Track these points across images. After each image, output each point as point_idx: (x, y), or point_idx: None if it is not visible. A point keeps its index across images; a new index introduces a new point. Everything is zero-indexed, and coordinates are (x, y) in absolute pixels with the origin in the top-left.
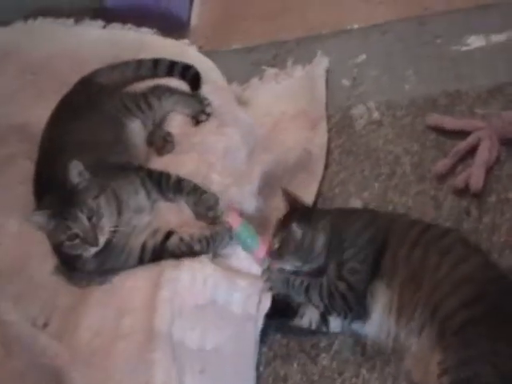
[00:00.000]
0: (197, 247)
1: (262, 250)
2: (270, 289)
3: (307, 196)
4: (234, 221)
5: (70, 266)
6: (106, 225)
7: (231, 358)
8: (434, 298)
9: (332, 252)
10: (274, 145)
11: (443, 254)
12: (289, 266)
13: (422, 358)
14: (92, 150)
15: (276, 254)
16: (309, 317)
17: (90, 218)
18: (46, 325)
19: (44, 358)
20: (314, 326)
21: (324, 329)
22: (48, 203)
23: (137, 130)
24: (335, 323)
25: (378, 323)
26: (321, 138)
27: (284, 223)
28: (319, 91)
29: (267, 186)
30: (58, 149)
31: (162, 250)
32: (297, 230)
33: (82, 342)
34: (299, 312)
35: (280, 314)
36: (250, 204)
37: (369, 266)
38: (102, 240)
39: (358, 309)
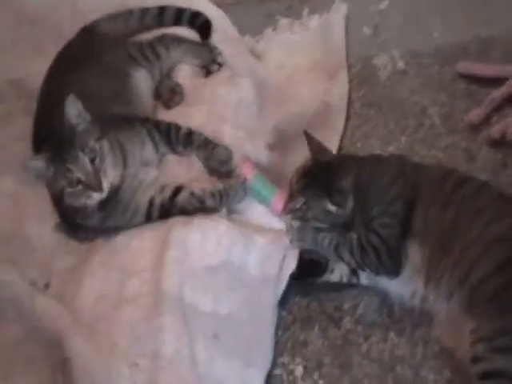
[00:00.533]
0: (209, 202)
1: (279, 201)
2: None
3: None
4: (247, 172)
5: (71, 221)
6: (110, 168)
7: (247, 324)
8: (463, 262)
9: (360, 209)
10: (289, 97)
11: (476, 214)
12: (311, 225)
13: (452, 326)
14: (93, 102)
15: (298, 214)
16: (339, 271)
17: (92, 160)
18: (47, 286)
19: (44, 321)
20: (345, 280)
21: (355, 280)
22: (46, 148)
23: (142, 79)
24: (364, 276)
25: (406, 282)
26: (340, 87)
27: (305, 174)
28: (338, 40)
29: (282, 142)
30: (57, 102)
31: (171, 206)
32: (322, 200)
33: (84, 305)
34: (329, 267)
35: (307, 273)
36: (264, 159)
37: (399, 222)
38: (105, 185)
39: (390, 264)
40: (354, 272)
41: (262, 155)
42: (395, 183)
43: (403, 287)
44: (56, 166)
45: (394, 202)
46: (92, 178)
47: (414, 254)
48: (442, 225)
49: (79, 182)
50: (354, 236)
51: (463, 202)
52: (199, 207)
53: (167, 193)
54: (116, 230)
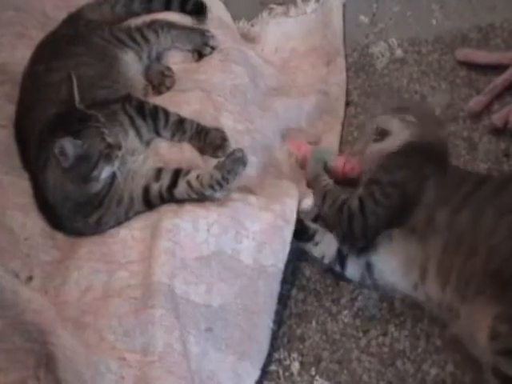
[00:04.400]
0: (208, 193)
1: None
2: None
3: (332, 138)
4: (305, 152)
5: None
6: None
7: (241, 316)
8: (493, 262)
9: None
10: (285, 85)
11: (501, 215)
12: None
13: (473, 322)
14: (79, 87)
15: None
16: (323, 248)
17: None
18: (30, 278)
19: (27, 314)
20: (326, 261)
21: (338, 268)
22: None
23: (130, 62)
24: (352, 269)
25: (400, 275)
26: (338, 74)
27: None
28: (335, 25)
29: (283, 134)
30: (40, 88)
31: (170, 198)
32: None
33: (70, 298)
34: (314, 238)
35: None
36: (263, 155)
37: (392, 207)
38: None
39: (359, 237)
40: (340, 259)
41: (261, 153)
42: (409, 168)
43: (396, 278)
44: (89, 135)
45: (398, 184)
46: (117, 137)
47: (409, 247)
48: (459, 225)
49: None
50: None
51: (484, 202)
52: (198, 198)
53: (165, 181)
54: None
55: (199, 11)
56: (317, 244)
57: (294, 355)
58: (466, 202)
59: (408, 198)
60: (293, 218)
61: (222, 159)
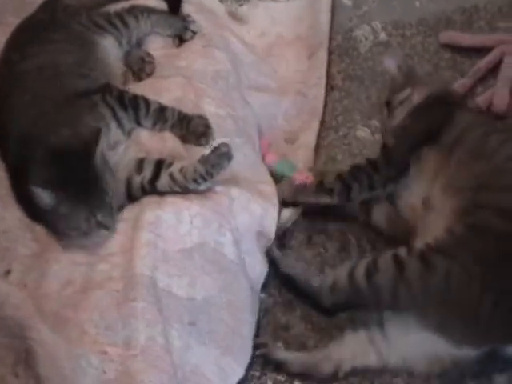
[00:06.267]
0: (191, 186)
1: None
2: None
3: (309, 136)
4: (270, 160)
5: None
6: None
7: (224, 311)
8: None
9: None
10: (265, 78)
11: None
12: None
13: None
14: (54, 75)
15: None
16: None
17: None
18: (8, 272)
19: (5, 309)
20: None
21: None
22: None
23: (109, 47)
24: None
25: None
26: (318, 69)
27: None
28: (323, 15)
29: (259, 130)
30: (16, 76)
31: (152, 191)
32: None
33: (49, 292)
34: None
35: None
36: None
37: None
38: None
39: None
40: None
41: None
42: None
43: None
44: (74, 206)
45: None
46: (110, 218)
47: (432, 159)
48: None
49: (98, 224)
50: None
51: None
52: (181, 191)
53: (147, 173)
54: None
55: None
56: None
57: (279, 344)
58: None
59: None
60: (272, 229)
61: (207, 153)
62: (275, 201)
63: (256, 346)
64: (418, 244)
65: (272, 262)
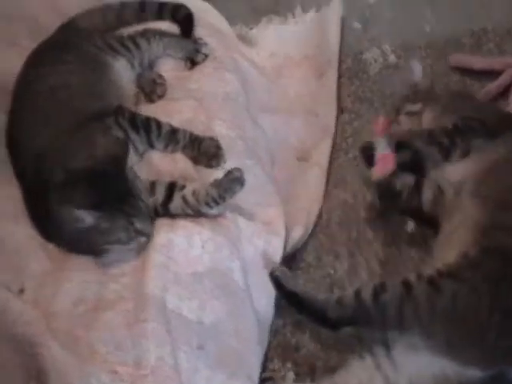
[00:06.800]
0: (204, 209)
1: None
2: None
3: (322, 152)
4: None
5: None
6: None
7: (232, 335)
8: None
9: None
10: (275, 101)
11: None
12: None
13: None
14: (66, 96)
15: None
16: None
17: None
18: (21, 290)
19: (17, 326)
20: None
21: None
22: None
23: (122, 69)
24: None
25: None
26: (328, 89)
27: None
28: (332, 36)
29: (271, 152)
30: (32, 96)
31: (165, 213)
32: None
33: (61, 310)
34: None
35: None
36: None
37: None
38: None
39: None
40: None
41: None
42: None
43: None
44: (112, 220)
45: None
46: (147, 224)
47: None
48: None
49: (136, 231)
50: None
51: None
52: (194, 214)
53: (159, 195)
54: None
55: (189, 22)
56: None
57: (289, 365)
58: None
59: None
60: (276, 259)
61: (220, 177)
62: (281, 227)
63: (262, 380)
64: (429, 270)
65: (276, 282)
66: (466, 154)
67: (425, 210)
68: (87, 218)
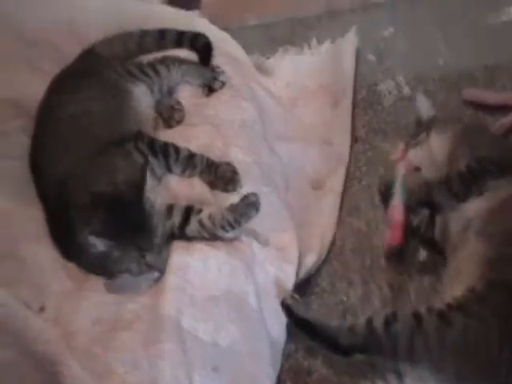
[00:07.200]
0: (220, 233)
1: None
2: None
3: (336, 181)
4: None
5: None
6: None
7: (247, 359)
8: None
9: None
10: (291, 130)
11: None
12: None
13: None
14: (86, 122)
15: None
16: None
17: None
18: (42, 309)
19: (37, 344)
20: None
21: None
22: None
23: (142, 95)
24: None
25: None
26: (343, 119)
27: None
28: (346, 66)
29: (286, 180)
30: (54, 122)
31: (181, 236)
32: None
33: (80, 329)
34: None
35: None
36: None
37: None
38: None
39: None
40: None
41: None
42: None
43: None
44: (124, 250)
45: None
46: (158, 260)
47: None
48: None
49: (147, 265)
50: None
51: None
52: (209, 237)
53: (176, 219)
54: None
55: (207, 51)
56: None
57: None
58: None
59: None
60: (288, 286)
61: (236, 202)
62: (294, 254)
63: None
64: (438, 304)
65: (288, 311)
66: (480, 194)
67: (436, 239)
68: (99, 244)
